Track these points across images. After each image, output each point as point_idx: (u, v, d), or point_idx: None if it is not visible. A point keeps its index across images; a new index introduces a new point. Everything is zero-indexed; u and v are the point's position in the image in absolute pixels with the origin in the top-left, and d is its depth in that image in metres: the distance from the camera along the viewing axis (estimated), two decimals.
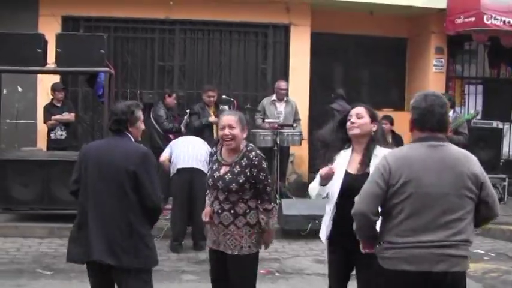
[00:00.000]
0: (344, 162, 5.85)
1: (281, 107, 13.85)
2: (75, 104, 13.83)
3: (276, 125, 13.09)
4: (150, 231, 5.91)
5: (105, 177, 5.66)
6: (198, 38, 15.00)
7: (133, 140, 5.90)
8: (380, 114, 6.68)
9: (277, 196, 12.68)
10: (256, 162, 6.08)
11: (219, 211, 6.10)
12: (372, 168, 5.50)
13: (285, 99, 13.93)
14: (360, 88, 16.86)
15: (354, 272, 5.93)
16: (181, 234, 10.58)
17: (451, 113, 12.68)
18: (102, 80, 11.49)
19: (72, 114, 13.25)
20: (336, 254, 5.94)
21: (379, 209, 4.73)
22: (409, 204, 4.54)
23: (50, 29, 12.49)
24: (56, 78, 13.49)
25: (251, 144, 6.34)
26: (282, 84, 13.88)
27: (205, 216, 6.21)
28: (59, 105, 13.20)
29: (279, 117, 13.58)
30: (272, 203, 6.30)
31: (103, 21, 14.21)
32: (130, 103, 6.08)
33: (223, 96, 13.23)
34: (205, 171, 9.41)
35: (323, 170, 5.72)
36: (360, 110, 5.91)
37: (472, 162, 4.70)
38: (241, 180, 6.02)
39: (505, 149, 15.97)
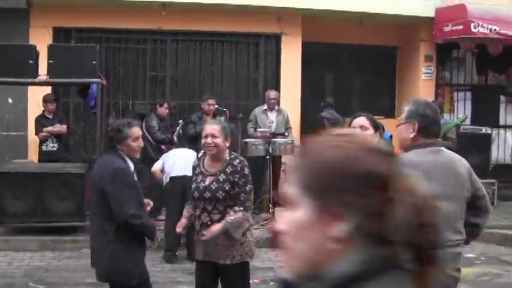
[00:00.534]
0: None
1: (272, 116, 13.90)
2: (66, 116, 13.83)
3: (268, 134, 13.15)
4: (134, 246, 6.02)
5: (92, 193, 6.06)
6: (190, 48, 15.04)
7: (125, 156, 6.06)
8: None
9: (271, 205, 12.73)
10: (239, 168, 6.18)
11: (209, 223, 6.14)
12: None
13: (276, 108, 13.98)
14: (350, 96, 16.96)
15: None
16: (175, 244, 10.58)
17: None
18: (94, 91, 11.47)
19: (64, 126, 13.24)
20: None
21: None
22: None
23: (41, 40, 12.47)
24: (47, 90, 13.44)
25: (234, 153, 6.49)
26: (271, 93, 13.94)
27: (178, 227, 6.35)
28: (50, 116, 13.17)
29: (271, 127, 13.62)
30: (242, 208, 6.19)
31: (94, 32, 14.19)
32: (120, 122, 6.37)
33: (216, 106, 13.27)
34: None
35: None
36: (363, 121, 5.90)
37: (464, 163, 4.95)
38: (227, 188, 6.11)
39: (493, 154, 16.11)
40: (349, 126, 5.97)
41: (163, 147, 12.35)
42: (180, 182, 10.43)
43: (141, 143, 6.23)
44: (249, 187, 6.27)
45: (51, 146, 13.06)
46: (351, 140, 1.73)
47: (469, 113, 16.43)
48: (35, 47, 11.40)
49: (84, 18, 13.85)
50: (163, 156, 11.18)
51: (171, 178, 10.60)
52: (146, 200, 6.40)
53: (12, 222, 11.56)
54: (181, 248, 10.75)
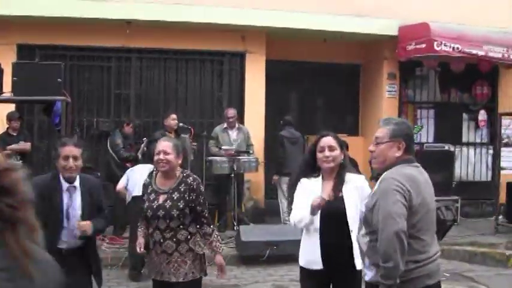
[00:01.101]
0: (316, 189, 5.89)
1: (234, 134, 13.92)
2: (31, 133, 13.71)
3: (233, 152, 13.18)
4: None
5: None
6: (154, 66, 15.02)
7: (60, 175, 6.06)
8: None
9: (235, 223, 12.75)
10: (194, 187, 6.23)
11: (161, 240, 6.18)
12: (345, 194, 5.83)
13: (237, 126, 14.02)
14: (314, 114, 17.02)
15: None
16: (139, 262, 10.49)
17: None
18: (58, 108, 11.40)
19: (28, 144, 13.13)
20: (316, 280, 5.93)
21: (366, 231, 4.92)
22: (425, 221, 4.75)
23: (5, 57, 12.31)
24: (12, 107, 13.33)
25: (187, 170, 6.55)
26: (230, 112, 13.95)
27: (139, 248, 6.31)
28: (14, 134, 13.05)
29: (234, 145, 13.65)
30: (211, 226, 6.38)
31: (59, 49, 14.10)
32: (58, 141, 6.39)
33: (180, 124, 13.25)
34: None
35: (315, 201, 5.73)
36: (331, 141, 5.96)
37: None
38: (181, 206, 6.15)
39: (456, 171, 16.26)
40: (315, 145, 6.01)
41: (127, 164, 12.29)
42: (143, 202, 10.36)
43: (70, 163, 6.02)
44: (207, 203, 6.39)
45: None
46: None
47: (432, 130, 16.61)
48: None
49: (49, 35, 13.79)
50: (128, 171, 11.12)
51: (133, 197, 10.54)
52: (78, 222, 6.08)
53: None
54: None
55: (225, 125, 13.93)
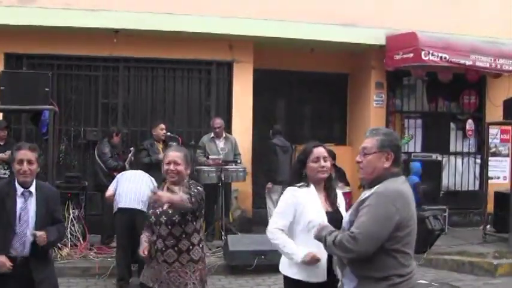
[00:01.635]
0: (313, 200, 5.85)
1: (221, 143, 13.88)
2: (18, 142, 13.64)
3: (220, 161, 13.15)
4: None
5: None
6: (142, 75, 14.98)
7: (16, 179, 6.05)
8: None
9: (223, 232, 12.71)
10: (191, 191, 6.16)
11: (163, 249, 6.14)
12: (341, 205, 5.88)
13: (224, 135, 13.99)
14: (302, 123, 17.04)
15: None
16: (125, 272, 10.45)
17: None
18: (46, 117, 11.38)
19: None
20: None
21: None
22: (410, 236, 4.70)
23: None
24: None
25: (194, 181, 6.49)
26: (216, 121, 13.91)
27: (143, 252, 6.21)
28: (1, 143, 12.92)
29: (221, 154, 13.61)
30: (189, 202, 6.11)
31: (46, 58, 14.10)
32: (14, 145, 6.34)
33: (168, 134, 13.22)
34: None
35: (307, 257, 5.59)
36: (325, 152, 5.97)
37: None
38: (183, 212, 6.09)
39: (444, 180, 16.31)
40: (306, 155, 5.98)
41: (115, 174, 12.23)
42: (129, 215, 10.32)
43: (24, 167, 5.96)
44: (200, 198, 6.20)
45: (3, 172, 12.83)
46: None
47: (419, 140, 16.63)
48: None
49: (36, 44, 13.76)
50: (117, 176, 11.06)
51: (119, 208, 10.50)
52: (34, 232, 6.00)
53: None
54: (134, 274, 10.57)
55: (212, 135, 13.89)
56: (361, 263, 4.63)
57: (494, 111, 15.96)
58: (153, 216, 6.22)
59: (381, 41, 15.15)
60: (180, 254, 6.14)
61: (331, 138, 15.98)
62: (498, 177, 16.14)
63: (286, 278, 5.95)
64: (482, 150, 16.47)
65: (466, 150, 17.19)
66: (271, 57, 15.23)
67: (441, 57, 14.30)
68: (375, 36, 15.13)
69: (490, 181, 14.96)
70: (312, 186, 5.91)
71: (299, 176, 5.96)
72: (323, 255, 5.55)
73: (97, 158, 13.13)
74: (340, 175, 13.64)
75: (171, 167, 6.19)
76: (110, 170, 12.84)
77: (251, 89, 15.00)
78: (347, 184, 13.77)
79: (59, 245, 11.11)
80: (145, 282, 6.32)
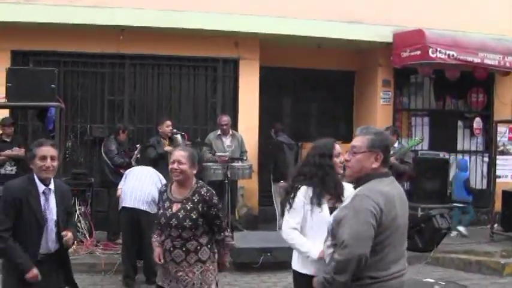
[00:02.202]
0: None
1: (227, 140, 13.84)
2: (25, 139, 13.63)
3: (227, 158, 13.12)
4: (6, 260, 5.90)
5: None
6: (148, 72, 14.96)
7: (35, 177, 5.92)
8: None
9: (229, 229, 12.68)
10: (207, 198, 6.20)
11: (171, 249, 6.18)
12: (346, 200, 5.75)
13: (231, 132, 13.96)
14: (308, 121, 17.00)
15: None
16: (131, 270, 10.42)
17: (396, 144, 12.92)
18: (52, 114, 11.38)
19: (22, 150, 13.00)
20: None
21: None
22: (392, 238, 4.59)
23: None
24: (6, 113, 13.28)
25: (201, 181, 6.47)
26: (223, 119, 13.87)
27: (158, 258, 6.25)
28: (8, 140, 12.96)
29: (228, 151, 13.57)
30: (223, 233, 6.37)
31: (53, 55, 14.07)
32: (33, 142, 6.22)
33: (174, 131, 13.19)
34: (151, 211, 9.43)
35: (323, 254, 5.43)
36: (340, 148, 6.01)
37: None
38: (194, 217, 6.13)
39: (451, 179, 16.21)
40: (330, 149, 5.96)
41: (121, 170, 12.21)
42: (132, 214, 10.30)
43: (48, 163, 5.88)
44: (222, 214, 6.38)
45: (9, 169, 12.85)
46: None
47: (426, 138, 16.55)
48: None
49: (42, 41, 13.74)
50: (126, 172, 11.04)
51: (123, 207, 10.47)
52: (63, 233, 6.00)
53: None
54: (140, 271, 10.60)
55: (219, 132, 13.86)
56: None
57: (502, 109, 15.94)
58: (162, 218, 6.23)
59: (388, 38, 15.12)
60: (188, 254, 6.18)
61: (337, 135, 15.78)
62: (506, 176, 16.06)
63: (294, 272, 5.98)
64: (490, 148, 16.41)
65: (473, 148, 17.15)
66: (277, 55, 15.20)
67: (449, 55, 14.24)
68: (381, 34, 15.09)
69: (497, 180, 14.90)
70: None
71: (327, 170, 5.92)
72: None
73: (103, 154, 13.13)
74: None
75: (175, 165, 6.21)
76: (116, 167, 12.84)
77: (257, 86, 14.96)
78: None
79: None
80: (161, 283, 6.38)
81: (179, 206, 6.20)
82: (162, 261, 6.23)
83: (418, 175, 14.23)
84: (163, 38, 14.21)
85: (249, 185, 14.61)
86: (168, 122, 13.12)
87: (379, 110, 15.91)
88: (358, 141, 4.80)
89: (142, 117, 14.86)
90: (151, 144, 12.91)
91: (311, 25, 14.52)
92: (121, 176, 11.33)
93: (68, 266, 6.25)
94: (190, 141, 13.18)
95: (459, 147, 17.02)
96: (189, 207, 6.17)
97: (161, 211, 6.30)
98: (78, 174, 13.18)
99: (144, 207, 10.16)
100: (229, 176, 12.85)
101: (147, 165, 11.18)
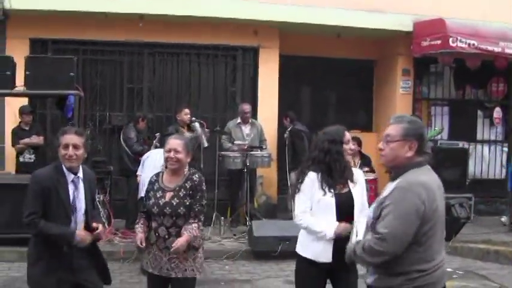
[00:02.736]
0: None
1: (247, 129, 13.86)
2: (43, 127, 13.69)
3: (246, 147, 13.12)
4: (45, 254, 5.72)
5: None
6: (167, 61, 14.98)
7: (63, 166, 5.78)
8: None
9: (248, 218, 12.71)
10: (197, 182, 6.27)
11: (166, 237, 6.19)
12: (352, 187, 5.96)
13: (250, 121, 13.98)
14: (327, 110, 16.96)
15: None
16: None
17: None
18: (71, 102, 11.39)
19: (41, 138, 13.11)
20: (319, 271, 5.99)
21: None
22: (435, 228, 4.52)
23: (18, 51, 12.34)
24: (25, 101, 13.33)
25: (193, 169, 6.52)
26: (246, 107, 13.90)
27: (140, 243, 6.22)
28: (27, 128, 13.04)
29: (247, 140, 13.58)
30: (197, 220, 6.26)
31: (71, 43, 14.07)
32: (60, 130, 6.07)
33: (193, 119, 13.19)
34: None
35: (339, 229, 5.80)
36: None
37: None
38: (187, 203, 6.18)
39: (470, 168, 16.16)
40: (341, 136, 6.06)
41: (140, 158, 12.23)
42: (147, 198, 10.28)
43: (70, 151, 5.68)
44: (204, 202, 6.35)
45: (28, 157, 12.94)
46: None
47: (446, 127, 16.50)
48: (12, 58, 11.33)
49: (61, 29, 13.76)
50: (143, 158, 11.08)
51: (141, 197, 10.46)
52: (95, 226, 5.90)
53: None
54: None
55: (238, 120, 13.87)
56: None
57: None
58: (155, 207, 6.22)
59: (408, 27, 15.05)
60: None
61: (357, 124, 15.91)
62: None
63: (298, 256, 6.20)
64: (509, 138, 16.33)
65: (493, 138, 17.10)
66: (296, 43, 15.15)
67: (469, 44, 14.15)
68: (402, 23, 15.03)
69: None
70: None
71: (335, 156, 5.98)
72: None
73: (122, 142, 13.15)
74: (365, 162, 13.60)
75: (171, 154, 6.23)
76: (135, 155, 12.84)
77: (277, 75, 14.97)
78: (372, 171, 13.69)
79: None
80: (146, 267, 6.41)
81: (172, 194, 6.22)
82: (144, 245, 6.21)
83: (437, 165, 14.15)
84: (183, 26, 14.21)
85: (268, 174, 14.63)
86: (187, 110, 13.12)
87: (398, 99, 15.86)
88: (392, 129, 4.72)
89: (162, 106, 14.88)
90: (170, 133, 12.91)
91: (331, 14, 14.48)
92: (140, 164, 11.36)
93: (99, 255, 6.14)
94: (209, 129, 13.17)
95: (479, 136, 16.97)
96: (182, 195, 6.20)
97: (153, 200, 6.27)
98: (97, 163, 13.18)
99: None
100: (248, 164, 12.85)
101: None
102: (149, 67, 14.86)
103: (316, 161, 6.01)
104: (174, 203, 6.16)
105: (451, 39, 14.03)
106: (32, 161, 12.94)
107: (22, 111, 13.01)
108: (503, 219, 14.54)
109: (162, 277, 6.24)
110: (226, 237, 12.49)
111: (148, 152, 11.50)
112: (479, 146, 16.80)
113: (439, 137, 15.79)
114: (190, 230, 6.12)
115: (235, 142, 13.36)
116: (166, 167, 6.40)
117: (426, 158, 4.75)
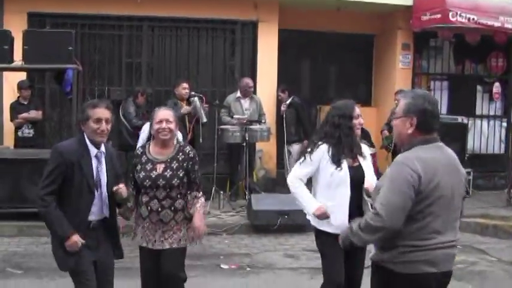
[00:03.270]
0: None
1: (246, 103, 13.82)
2: (42, 102, 13.67)
3: (245, 121, 13.10)
4: (54, 233, 5.68)
5: None
6: (166, 35, 14.92)
7: (86, 140, 5.66)
8: None
9: (247, 192, 12.72)
10: (192, 155, 6.31)
11: (159, 209, 6.19)
12: (362, 162, 6.08)
13: (249, 95, 13.96)
14: (326, 84, 16.91)
15: None
16: None
17: None
18: (70, 77, 11.35)
19: (39, 112, 13.10)
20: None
21: None
22: (434, 207, 4.41)
23: (15, 25, 12.30)
24: (23, 76, 13.29)
25: (183, 143, 6.61)
26: (249, 82, 13.83)
27: (130, 213, 6.28)
28: (25, 103, 13.02)
29: (246, 114, 13.54)
30: (201, 193, 6.37)
31: (70, 17, 13.96)
32: (87, 103, 6.00)
33: (192, 93, 13.15)
34: None
35: (318, 211, 6.01)
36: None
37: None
38: (181, 174, 6.20)
39: (469, 143, 16.18)
40: (351, 110, 6.15)
41: (139, 133, 12.21)
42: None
43: (103, 126, 5.61)
44: (199, 173, 6.43)
45: (27, 132, 12.94)
46: None
47: (445, 102, 16.49)
48: (10, 32, 11.29)
49: (59, 3, 13.67)
50: (144, 127, 11.07)
51: None
52: (117, 187, 5.75)
53: None
54: None
55: (238, 94, 13.84)
56: None
57: None
58: (147, 180, 6.18)
59: (408, 1, 15.00)
60: (176, 213, 6.23)
61: (356, 99, 15.50)
62: None
63: (316, 230, 6.25)
64: (509, 113, 16.33)
65: (492, 113, 17.10)
66: (296, 17, 15.11)
67: (469, 19, 14.10)
68: None
69: None
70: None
71: (345, 131, 6.06)
72: (344, 211, 5.91)
73: (121, 117, 13.12)
74: (365, 136, 13.59)
75: (163, 125, 6.21)
76: (134, 129, 12.80)
77: (276, 49, 14.91)
78: (372, 146, 13.69)
79: None
80: (140, 243, 6.40)
81: (163, 166, 6.21)
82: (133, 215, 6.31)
83: None
84: (182, 0, 14.13)
85: (267, 148, 14.63)
86: (185, 84, 13.08)
87: (398, 73, 15.83)
88: (399, 106, 4.66)
89: (160, 80, 14.85)
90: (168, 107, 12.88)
91: None
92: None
93: (117, 231, 6.06)
94: (208, 103, 13.14)
95: (478, 111, 16.97)
96: (175, 166, 6.20)
97: (143, 173, 6.22)
98: None
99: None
100: (247, 138, 12.84)
101: None
102: (148, 41, 14.80)
103: (328, 135, 6.07)
104: (168, 175, 6.15)
105: (450, 14, 13.98)
106: (31, 135, 12.95)
107: (20, 85, 12.97)
108: None
109: (154, 250, 6.25)
110: (225, 211, 12.50)
111: (145, 125, 11.49)
112: (478, 121, 16.81)
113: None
114: (199, 208, 6.25)
115: (234, 116, 13.34)
116: (153, 138, 6.39)
117: (435, 135, 4.62)
